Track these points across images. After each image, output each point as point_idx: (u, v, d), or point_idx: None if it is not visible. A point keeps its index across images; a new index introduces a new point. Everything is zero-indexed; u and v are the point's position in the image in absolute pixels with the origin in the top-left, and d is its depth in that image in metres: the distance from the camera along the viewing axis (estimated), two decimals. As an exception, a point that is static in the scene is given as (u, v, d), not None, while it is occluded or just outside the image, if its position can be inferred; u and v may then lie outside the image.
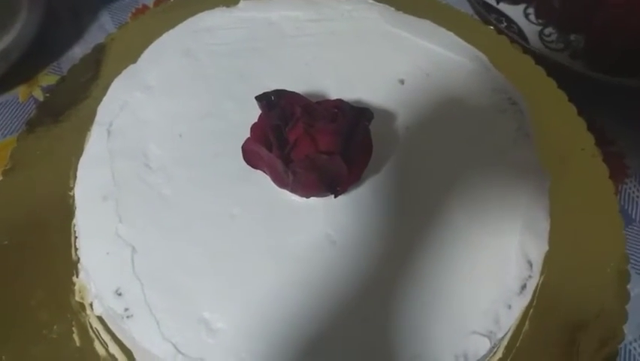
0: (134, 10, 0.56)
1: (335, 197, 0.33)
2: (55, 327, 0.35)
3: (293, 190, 0.33)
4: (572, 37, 0.53)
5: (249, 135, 0.34)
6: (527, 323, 0.36)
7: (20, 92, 0.50)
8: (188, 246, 0.32)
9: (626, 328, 0.37)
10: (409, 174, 0.36)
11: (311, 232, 0.33)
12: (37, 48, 0.50)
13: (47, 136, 0.42)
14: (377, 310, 0.31)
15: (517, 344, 0.36)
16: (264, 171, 0.34)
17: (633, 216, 0.46)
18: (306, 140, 0.31)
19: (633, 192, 0.48)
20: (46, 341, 0.35)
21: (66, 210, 0.38)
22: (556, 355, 0.36)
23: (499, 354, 0.35)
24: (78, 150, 0.38)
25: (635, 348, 0.41)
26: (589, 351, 0.36)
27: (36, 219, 0.39)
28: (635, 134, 0.50)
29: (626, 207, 0.47)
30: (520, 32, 0.53)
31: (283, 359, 0.29)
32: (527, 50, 0.49)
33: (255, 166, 0.33)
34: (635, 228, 0.46)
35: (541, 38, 0.53)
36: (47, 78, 0.50)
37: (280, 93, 0.33)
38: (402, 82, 0.39)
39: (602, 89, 0.49)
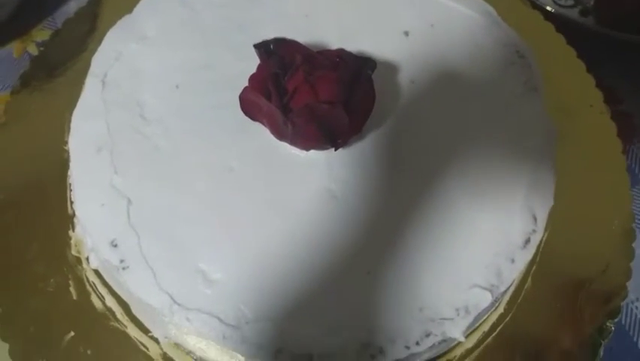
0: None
1: (335, 150, 0.32)
2: (51, 280, 0.35)
3: (292, 142, 0.32)
4: (583, -7, 0.52)
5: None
6: (530, 279, 0.36)
7: (15, 47, 0.49)
8: (185, 197, 0.31)
9: (629, 286, 0.37)
10: (413, 128, 0.35)
11: (311, 186, 0.33)
12: (31, 3, 0.49)
13: (41, 90, 0.41)
14: (379, 263, 0.30)
15: (519, 301, 0.36)
16: (263, 123, 0.33)
17: (640, 177, 0.45)
18: (305, 89, 0.30)
19: (641, 152, 0.47)
20: (42, 294, 0.34)
21: (61, 164, 0.37)
22: (559, 312, 0.36)
23: (501, 310, 0.35)
24: (73, 104, 0.37)
25: (637, 307, 0.41)
26: (591, 308, 0.36)
27: (31, 173, 0.39)
28: (644, 94, 0.49)
29: (633, 166, 0.46)
30: (530, -12, 0.51)
31: (281, 310, 0.29)
32: (537, 5, 0.47)
33: (253, 118, 0.32)
34: (641, 189, 0.45)
35: (551, -6, 0.52)
36: (42, 33, 0.49)
37: (280, 42, 0.32)
38: (406, 34, 0.38)
39: (612, 48, 0.48)
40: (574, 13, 0.50)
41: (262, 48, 0.31)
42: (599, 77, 0.43)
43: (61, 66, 0.42)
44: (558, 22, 0.45)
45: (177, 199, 0.31)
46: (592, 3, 0.51)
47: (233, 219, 0.31)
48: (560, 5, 0.51)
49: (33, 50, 0.48)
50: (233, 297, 0.29)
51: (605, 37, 0.47)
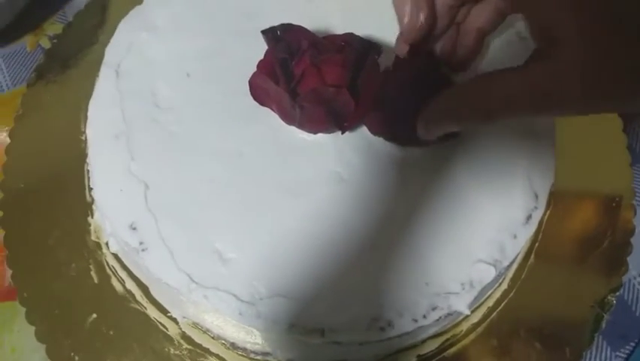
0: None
1: (342, 133, 0.33)
2: (73, 265, 0.36)
3: (300, 126, 0.33)
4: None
5: (256, 72, 0.34)
6: (533, 256, 0.37)
7: (28, 41, 0.50)
8: (199, 181, 0.33)
9: (630, 262, 0.38)
10: (417, 111, 0.36)
11: (319, 168, 0.34)
12: (42, -3, 0.50)
13: (56, 82, 0.43)
14: (386, 241, 0.32)
15: (523, 277, 0.37)
16: (272, 109, 0.34)
17: (642, 155, 0.46)
18: (312, 73, 0.31)
19: (642, 131, 0.47)
20: (65, 278, 0.36)
21: (78, 153, 0.38)
22: (561, 287, 0.37)
23: (505, 285, 0.36)
24: (87, 95, 0.38)
25: (638, 283, 0.42)
26: (593, 283, 0.37)
27: (49, 163, 0.40)
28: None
29: (633, 145, 0.46)
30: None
31: (293, 287, 0.30)
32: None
33: (262, 103, 0.34)
34: (642, 167, 0.46)
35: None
36: (54, 27, 0.50)
37: (286, 27, 0.33)
38: (409, 18, 0.39)
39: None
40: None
41: (269, 34, 0.32)
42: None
43: (73, 58, 0.44)
44: None
45: (192, 183, 0.33)
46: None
47: (245, 200, 0.32)
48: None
49: (45, 43, 0.49)
50: (248, 275, 0.30)
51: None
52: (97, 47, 0.43)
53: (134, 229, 0.32)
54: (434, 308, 0.30)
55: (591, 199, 0.38)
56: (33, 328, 0.35)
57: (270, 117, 0.34)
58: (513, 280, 0.37)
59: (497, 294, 0.36)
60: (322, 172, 0.34)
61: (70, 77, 0.42)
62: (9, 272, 0.37)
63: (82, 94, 0.40)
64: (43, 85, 0.43)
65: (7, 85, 0.48)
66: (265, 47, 0.33)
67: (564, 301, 0.37)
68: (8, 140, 0.41)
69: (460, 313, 0.31)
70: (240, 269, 0.30)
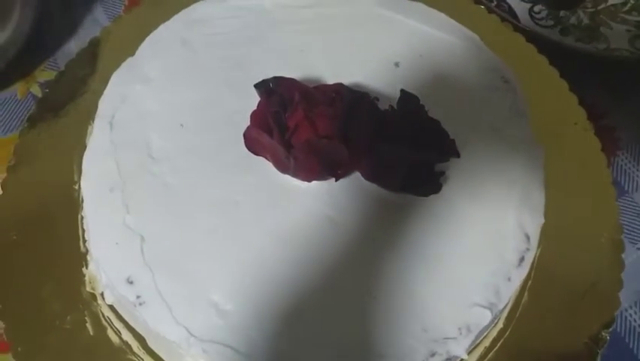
0: (127, 2, 0.56)
1: (336, 180, 0.34)
2: (68, 317, 0.36)
3: (295, 175, 0.34)
4: (561, 13, 0.54)
5: (248, 123, 0.34)
6: (526, 294, 0.38)
7: (18, 88, 0.50)
8: (195, 232, 0.33)
9: (621, 295, 0.38)
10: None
11: (314, 215, 0.34)
12: (33, 44, 0.50)
13: (49, 131, 0.43)
14: (381, 287, 0.32)
15: (517, 315, 0.37)
16: (266, 158, 0.35)
17: (626, 188, 0.47)
18: (305, 125, 0.32)
19: (625, 163, 0.49)
20: (59, 332, 0.36)
21: (71, 203, 0.38)
22: (555, 324, 0.37)
23: (500, 325, 0.37)
24: (80, 144, 0.39)
25: (630, 315, 0.43)
26: (587, 319, 0.37)
27: (42, 213, 0.40)
28: (625, 107, 0.51)
29: (618, 178, 0.48)
30: (511, 10, 0.53)
31: (289, 336, 0.30)
32: (518, 28, 0.49)
33: (256, 153, 0.34)
34: (627, 199, 0.47)
35: (531, 16, 0.54)
36: (45, 74, 0.51)
37: (278, 80, 0.33)
38: (397, 65, 0.40)
39: (592, 65, 0.50)
40: (554, 33, 0.52)
41: (262, 87, 0.33)
42: (582, 94, 0.45)
43: (65, 106, 0.44)
44: (540, 43, 0.47)
45: (188, 235, 0.33)
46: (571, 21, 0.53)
47: (241, 250, 0.33)
48: (540, 26, 0.53)
49: (36, 90, 0.50)
50: (245, 326, 0.30)
51: (585, 54, 0.50)
52: (88, 95, 0.43)
53: (131, 282, 0.32)
54: (433, 355, 0.30)
55: (581, 236, 0.39)
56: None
57: (263, 165, 0.35)
58: (508, 318, 0.37)
59: (494, 333, 0.37)
60: (317, 219, 0.34)
61: (63, 127, 0.42)
62: (2, 326, 0.36)
63: (74, 143, 0.40)
64: (36, 135, 0.43)
65: (-3, 133, 0.48)
66: (257, 96, 0.34)
67: (559, 339, 0.37)
68: (0, 190, 0.41)
69: (457, 358, 0.31)
70: (237, 321, 0.30)
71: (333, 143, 0.31)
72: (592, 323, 0.37)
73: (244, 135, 0.33)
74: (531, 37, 0.48)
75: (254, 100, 0.35)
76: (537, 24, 0.53)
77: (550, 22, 0.53)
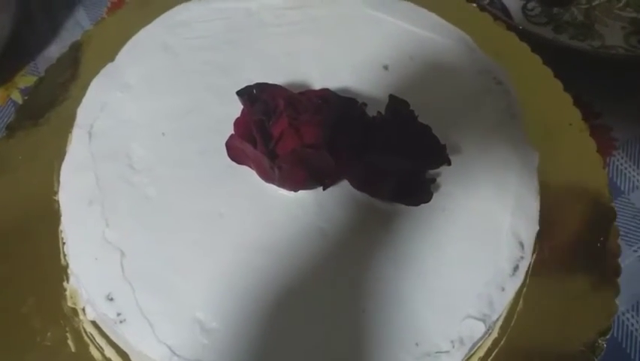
0: (109, 5, 0.54)
1: (324, 189, 0.33)
2: (49, 334, 0.35)
3: (280, 185, 0.33)
4: (555, 10, 0.53)
5: (232, 130, 0.33)
6: (521, 301, 0.37)
7: (-2, 95, 0.49)
8: (178, 247, 0.32)
9: (618, 300, 0.37)
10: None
11: (302, 226, 0.33)
12: (13, 49, 0.49)
13: (28, 140, 0.41)
14: (373, 300, 0.31)
15: (512, 324, 0.36)
16: (250, 167, 0.33)
17: (622, 189, 0.46)
18: (290, 133, 0.30)
19: (621, 164, 0.48)
20: (40, 348, 0.34)
21: (52, 214, 0.37)
22: (550, 332, 0.36)
23: (495, 334, 0.36)
24: (60, 153, 0.37)
25: (627, 319, 0.42)
26: (583, 325, 0.36)
27: (22, 224, 0.39)
28: (620, 107, 0.50)
29: (614, 179, 0.47)
30: (504, 8, 0.52)
31: (277, 354, 0.29)
32: (511, 26, 0.48)
33: (240, 162, 0.33)
34: (624, 199, 0.46)
35: (524, 13, 0.53)
36: (25, 79, 0.49)
37: (262, 87, 0.32)
38: (386, 67, 0.39)
39: (587, 63, 0.49)
40: (548, 31, 0.51)
41: (245, 94, 0.32)
42: (576, 94, 0.44)
43: (45, 114, 0.43)
44: (534, 42, 0.46)
45: (170, 249, 0.32)
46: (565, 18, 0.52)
47: (226, 265, 0.32)
48: (534, 23, 0.52)
49: (17, 96, 0.48)
50: (231, 345, 0.29)
51: (580, 52, 0.49)
52: (69, 102, 0.42)
53: (111, 299, 0.31)
54: (425, 369, 0.29)
55: (576, 241, 0.38)
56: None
57: (248, 175, 0.34)
58: (503, 327, 0.36)
59: (488, 343, 0.36)
60: (305, 229, 0.33)
61: (42, 135, 0.41)
62: (-19, 344, 0.35)
63: (54, 153, 0.39)
64: (15, 143, 0.41)
65: (-24, 141, 0.46)
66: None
67: (555, 347, 0.36)
68: (-22, 201, 0.39)
69: (451, 371, 0.31)
70: (223, 339, 0.29)
71: (320, 152, 0.30)
72: (588, 330, 0.36)
73: (226, 145, 0.32)
74: (524, 35, 0.47)
75: (238, 106, 0.34)
76: (530, 22, 0.52)
77: (544, 20, 0.52)
